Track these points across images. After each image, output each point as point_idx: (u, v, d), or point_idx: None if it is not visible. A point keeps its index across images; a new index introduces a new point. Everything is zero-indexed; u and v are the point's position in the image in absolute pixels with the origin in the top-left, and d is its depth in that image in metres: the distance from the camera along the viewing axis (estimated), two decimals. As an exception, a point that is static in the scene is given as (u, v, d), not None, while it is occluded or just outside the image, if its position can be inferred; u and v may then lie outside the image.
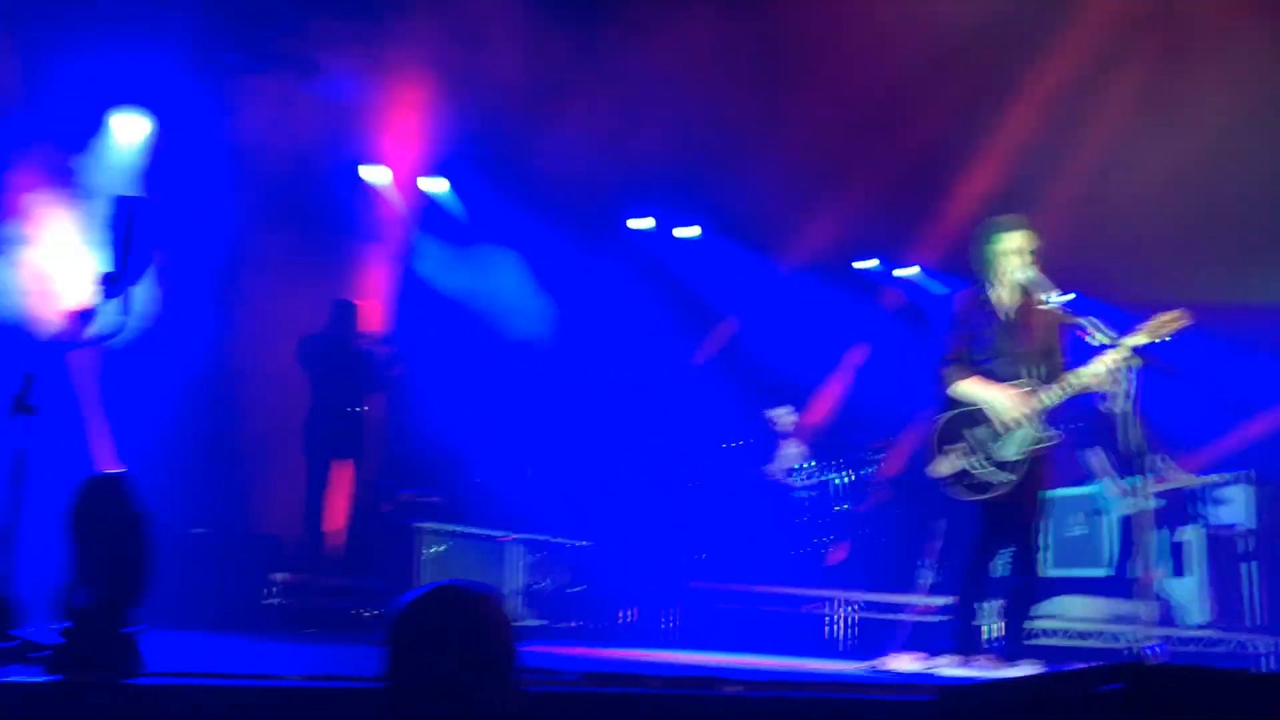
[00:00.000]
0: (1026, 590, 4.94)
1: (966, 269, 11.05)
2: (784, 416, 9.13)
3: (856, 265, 11.33)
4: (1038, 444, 4.83)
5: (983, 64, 7.83)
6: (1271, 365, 10.49)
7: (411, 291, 8.67)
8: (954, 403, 4.93)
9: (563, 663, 4.12)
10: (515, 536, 7.17)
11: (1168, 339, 4.73)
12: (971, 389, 4.88)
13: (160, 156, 7.19)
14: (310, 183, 8.18)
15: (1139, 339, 4.61)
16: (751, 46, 8.12)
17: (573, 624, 7.30)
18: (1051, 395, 4.85)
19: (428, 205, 9.21)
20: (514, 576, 7.08)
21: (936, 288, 11.57)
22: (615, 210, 10.15)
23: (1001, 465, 4.82)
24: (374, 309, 7.89)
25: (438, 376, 7.11)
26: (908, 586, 8.68)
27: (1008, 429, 4.83)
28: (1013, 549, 4.89)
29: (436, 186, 9.24)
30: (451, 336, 8.51)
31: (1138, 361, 4.45)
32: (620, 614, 7.58)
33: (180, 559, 6.44)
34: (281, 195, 7.86)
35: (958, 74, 7.94)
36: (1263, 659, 7.86)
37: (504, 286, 8.96)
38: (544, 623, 7.06)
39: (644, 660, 4.88)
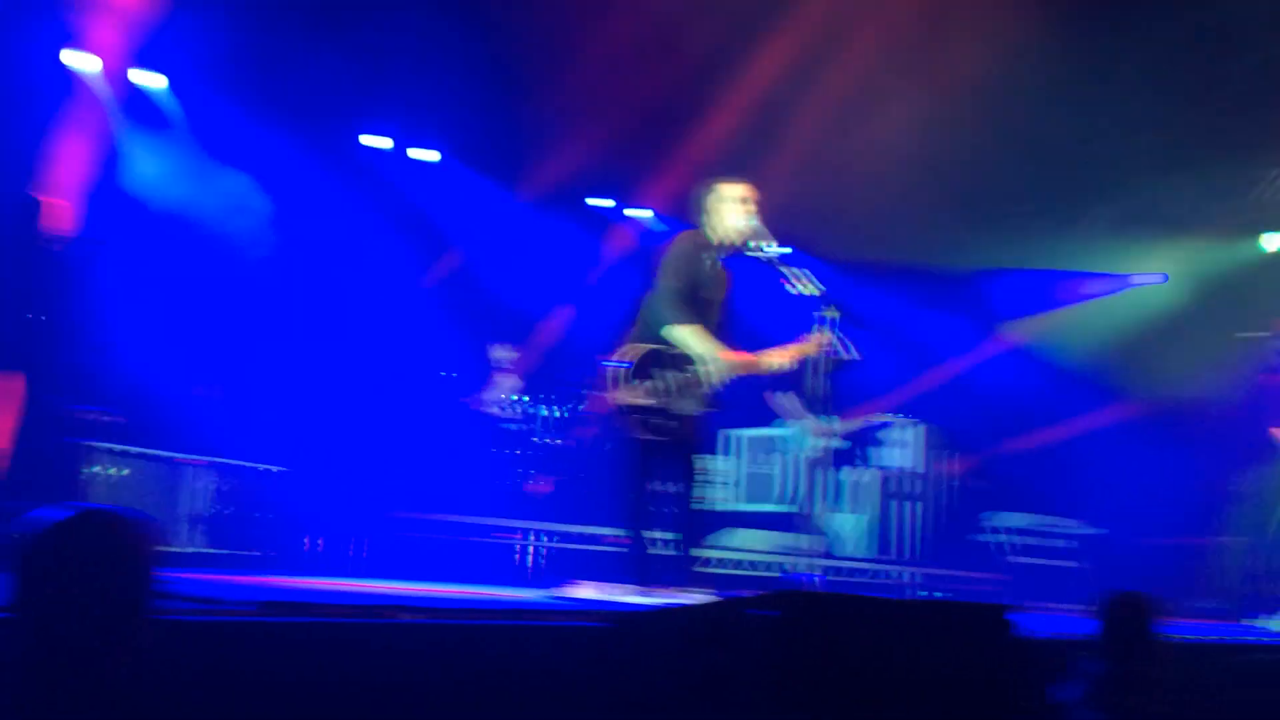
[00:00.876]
0: (695, 522, 5.12)
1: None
2: (501, 351, 9.12)
3: (590, 202, 11.40)
4: (710, 407, 5.00)
5: (731, 13, 8.01)
6: (949, 324, 11.51)
7: (113, 194, 7.94)
8: (652, 337, 4.95)
9: (235, 591, 3.94)
10: (200, 460, 6.77)
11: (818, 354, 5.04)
12: (692, 337, 4.90)
13: None
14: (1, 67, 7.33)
15: (808, 350, 4.87)
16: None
17: (258, 553, 7.02)
18: (743, 368, 5.01)
19: (141, 101, 8.47)
20: (195, 502, 6.70)
21: (664, 229, 11.86)
22: (351, 127, 9.70)
23: (675, 414, 4.92)
24: (63, 208, 7.14)
25: (134, 288, 6.54)
26: (609, 519, 8.96)
27: (699, 385, 4.93)
28: (680, 484, 5.07)
29: (152, 82, 8.48)
30: (156, 244, 7.88)
31: (835, 314, 4.72)
32: (308, 541, 7.35)
33: None
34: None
35: (705, 22, 8.08)
36: (909, 589, 8.74)
37: (221, 196, 8.37)
38: (226, 551, 6.73)
39: (323, 589, 4.76)
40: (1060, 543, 9.38)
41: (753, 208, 5.03)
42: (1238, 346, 7.77)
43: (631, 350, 4.97)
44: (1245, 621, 6.62)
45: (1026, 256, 11.05)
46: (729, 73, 8.74)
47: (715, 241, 5.07)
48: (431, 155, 10.18)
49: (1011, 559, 9.18)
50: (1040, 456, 10.65)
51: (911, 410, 9.85)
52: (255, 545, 7.04)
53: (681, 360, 4.93)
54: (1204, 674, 4.31)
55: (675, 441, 4.96)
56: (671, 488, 5.09)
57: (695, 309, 4.94)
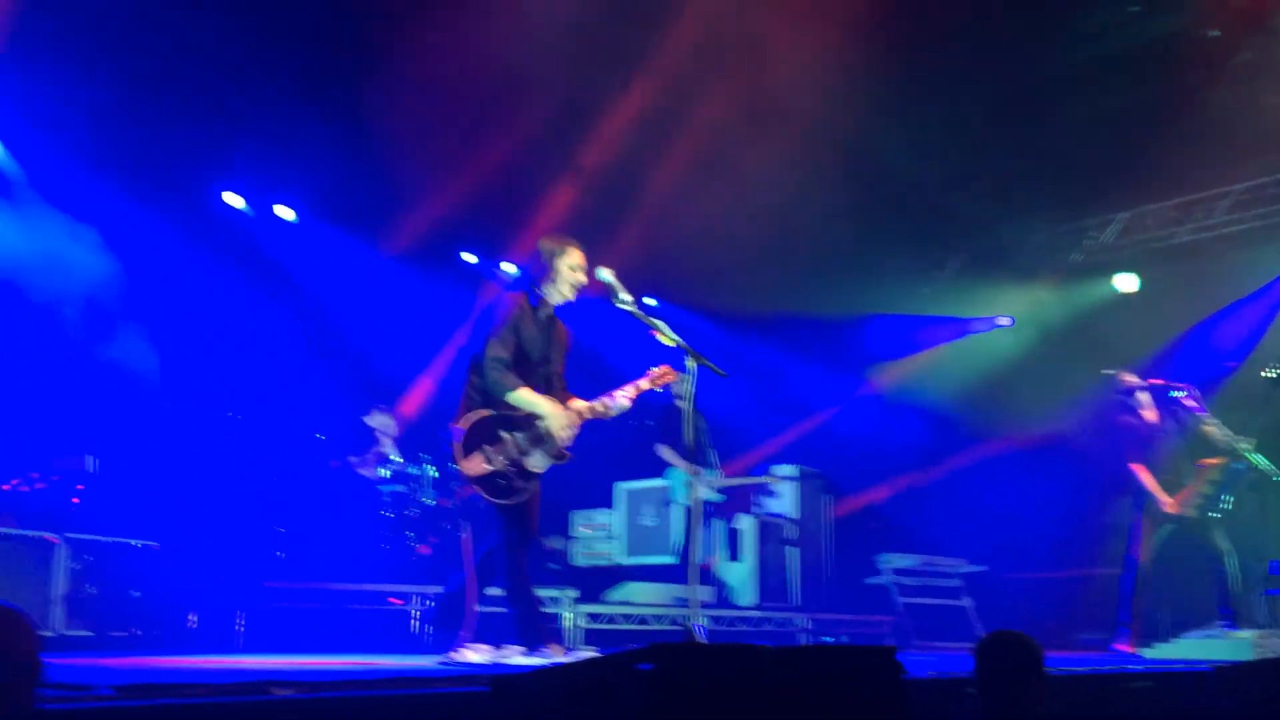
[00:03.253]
0: (528, 585, 5.19)
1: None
2: (377, 417, 9.04)
3: (464, 256, 11.42)
4: (560, 459, 5.11)
5: (584, 68, 8.18)
6: (820, 372, 11.84)
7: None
8: (492, 403, 5.00)
9: (99, 676, 3.83)
10: (63, 537, 6.51)
11: (660, 389, 5.31)
12: (528, 397, 5.00)
13: None
14: None
15: (642, 385, 5.05)
16: (351, 28, 7.96)
17: (127, 633, 6.76)
18: (585, 414, 5.14)
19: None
20: (59, 582, 6.44)
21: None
22: (207, 185, 9.55)
23: (528, 473, 5.03)
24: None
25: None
26: (496, 580, 8.89)
27: (546, 441, 5.03)
28: (529, 546, 5.19)
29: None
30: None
31: (694, 360, 4.83)
32: (186, 619, 7.11)
33: None
34: None
35: (560, 77, 8.23)
36: (801, 634, 8.86)
37: (56, 252, 8.10)
38: (92, 634, 6.48)
39: (198, 667, 4.64)
40: (946, 581, 9.62)
41: (582, 274, 5.21)
42: (1096, 383, 8.18)
43: (469, 418, 5.02)
44: (1129, 650, 6.88)
45: (891, 301, 11.49)
46: (588, 126, 8.92)
47: (552, 300, 5.19)
48: (287, 214, 10.11)
49: (900, 600, 9.37)
50: (918, 497, 10.98)
51: (789, 456, 10.07)
52: (129, 625, 6.78)
53: (525, 420, 5.02)
54: (1085, 705, 4.48)
55: (528, 503, 5.04)
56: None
57: (526, 369, 5.05)
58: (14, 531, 6.32)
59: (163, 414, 8.16)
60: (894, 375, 11.65)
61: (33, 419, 7.27)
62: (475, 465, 4.95)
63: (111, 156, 8.39)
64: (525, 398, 5.00)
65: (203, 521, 7.90)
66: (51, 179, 8.33)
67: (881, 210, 9.79)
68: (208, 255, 9.18)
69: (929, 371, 11.55)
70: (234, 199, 9.76)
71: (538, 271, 5.20)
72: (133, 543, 7.07)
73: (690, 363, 4.84)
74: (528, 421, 5.01)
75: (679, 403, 8.25)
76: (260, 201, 9.93)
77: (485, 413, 5.00)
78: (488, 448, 4.96)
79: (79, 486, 7.12)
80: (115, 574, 6.87)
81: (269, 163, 9.34)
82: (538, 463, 5.05)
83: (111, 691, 3.25)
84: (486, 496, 4.95)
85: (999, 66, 8.18)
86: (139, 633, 6.88)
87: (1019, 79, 8.33)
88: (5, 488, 6.47)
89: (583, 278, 5.19)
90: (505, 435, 4.97)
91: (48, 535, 6.50)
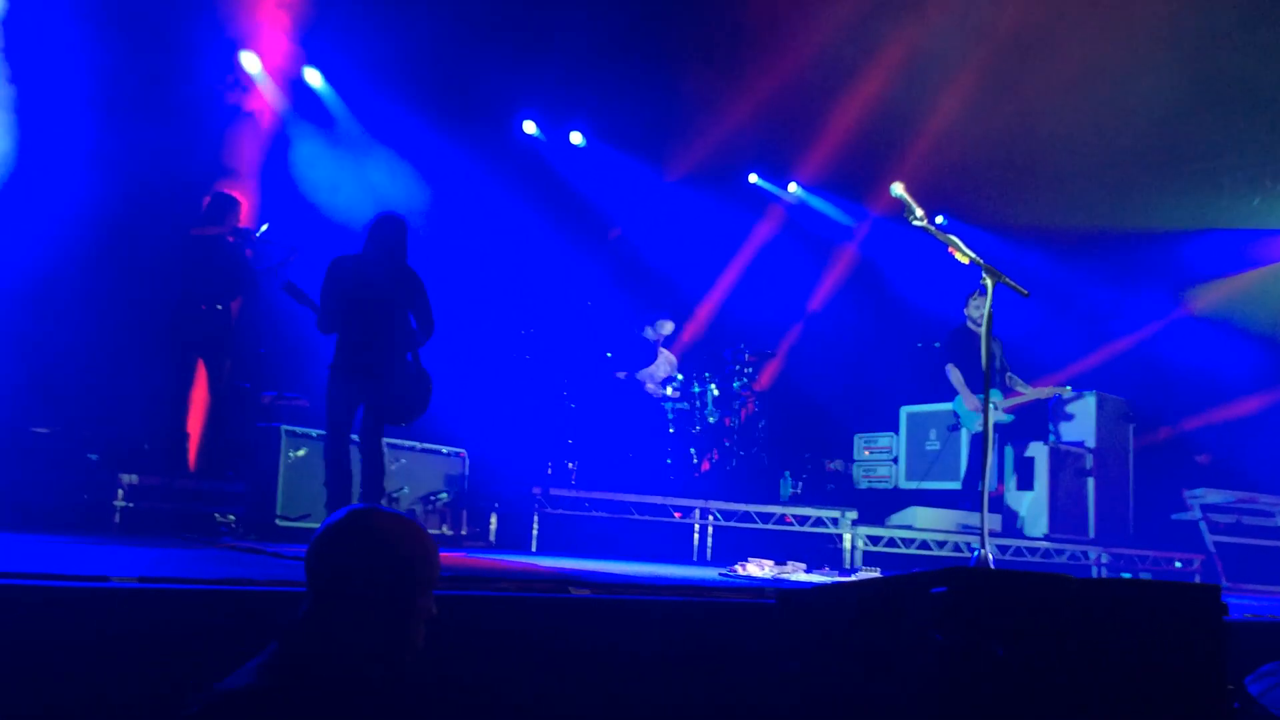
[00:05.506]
0: None
1: (853, 188, 11.24)
2: (662, 328, 9.21)
3: (752, 180, 11.42)
4: None
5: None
6: (1127, 293, 10.99)
7: (284, 190, 8.39)
8: None
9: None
10: (384, 442, 7.09)
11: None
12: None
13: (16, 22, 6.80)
14: (181, 66, 7.83)
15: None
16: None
17: (439, 530, 7.32)
18: None
19: (305, 98, 8.91)
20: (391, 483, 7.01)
21: (819, 204, 11.75)
22: (503, 112, 9.98)
23: None
24: (245, 205, 7.58)
25: (309, 278, 6.90)
26: (771, 497, 8.95)
27: None
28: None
29: (312, 79, 8.93)
30: (326, 236, 8.29)
31: (992, 280, 4.57)
32: (488, 520, 7.62)
33: (21, 459, 6.25)
34: (153, 78, 7.49)
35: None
36: (1094, 568, 8.38)
37: (380, 186, 8.73)
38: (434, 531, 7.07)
39: (499, 566, 4.95)
40: (1265, 520, 8.83)
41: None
42: None
43: None
44: None
45: (1216, 215, 10.44)
46: (881, 32, 8.58)
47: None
48: (575, 138, 10.39)
49: (1211, 538, 8.69)
50: (1235, 429, 10.08)
51: (1089, 382, 9.46)
52: (440, 523, 7.35)
53: None
54: None
55: None
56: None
57: None
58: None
59: (466, 330, 8.68)
60: (1216, 296, 10.62)
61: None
62: None
63: (423, 90, 8.91)
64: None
65: (502, 431, 8.40)
66: (370, 113, 8.98)
67: (1220, 114, 8.89)
68: (507, 182, 9.64)
69: (1258, 292, 10.45)
70: (531, 127, 10.15)
71: None
72: (442, 450, 7.61)
73: (987, 280, 4.57)
74: None
75: (971, 325, 7.91)
76: (554, 129, 10.27)
77: None
78: None
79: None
80: (425, 477, 7.43)
81: (564, 89, 9.63)
82: None
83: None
84: None
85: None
86: (449, 531, 7.43)
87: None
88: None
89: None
90: None
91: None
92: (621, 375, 8.91)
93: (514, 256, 9.61)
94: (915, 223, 4.82)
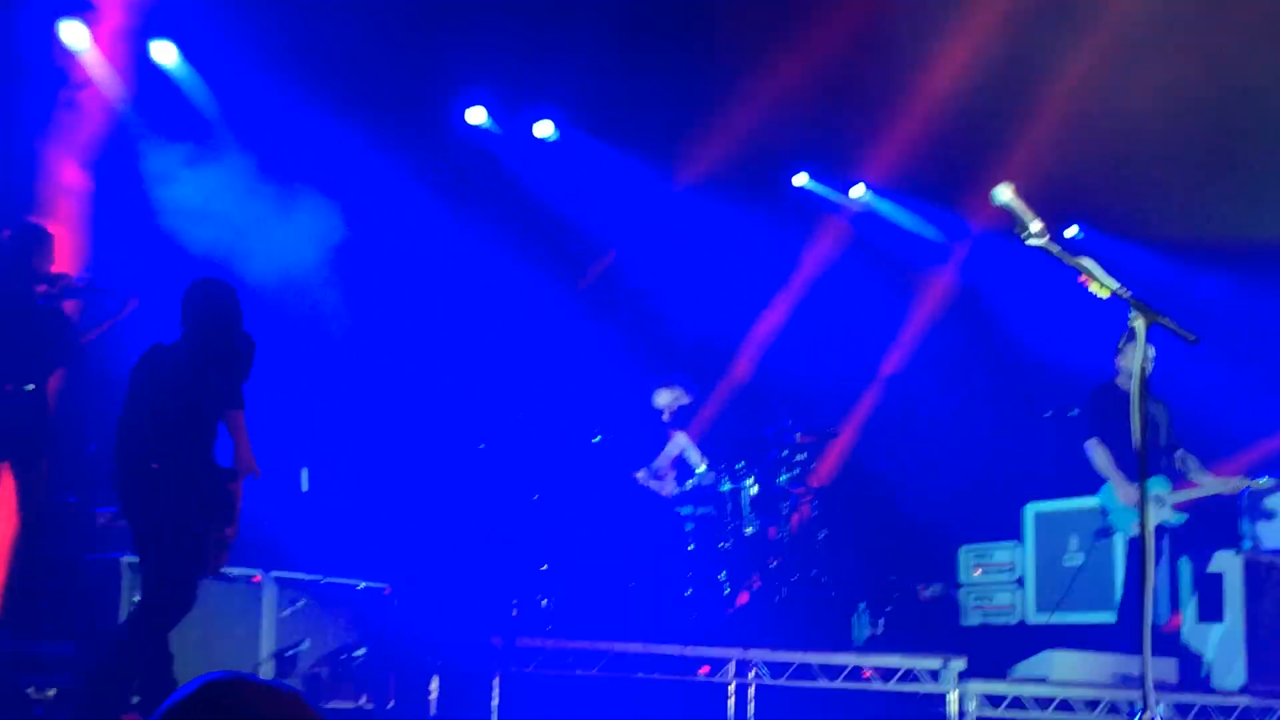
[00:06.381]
0: None
1: (945, 191, 11.29)
2: (671, 399, 9.19)
3: (799, 183, 11.49)
4: None
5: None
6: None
7: (124, 214, 8.43)
8: None
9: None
10: (267, 574, 7.08)
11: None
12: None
13: None
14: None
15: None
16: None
17: (353, 704, 7.26)
18: None
19: (155, 82, 9.00)
20: (267, 634, 6.99)
21: (896, 215, 11.81)
22: (443, 102, 10.08)
23: None
24: (63, 240, 7.60)
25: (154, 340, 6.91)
26: (838, 640, 8.87)
27: None
28: None
29: (163, 55, 9.04)
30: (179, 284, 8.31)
31: (1144, 320, 4.56)
32: (426, 688, 7.55)
33: None
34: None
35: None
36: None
37: (260, 206, 8.78)
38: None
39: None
40: None
41: None
42: None
43: None
44: None
45: None
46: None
47: None
48: (545, 129, 10.46)
49: None
50: None
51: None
52: (355, 692, 7.29)
53: None
54: None
55: None
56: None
57: None
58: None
59: (390, 409, 8.65)
60: None
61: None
62: None
63: (326, 68, 8.98)
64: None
65: (444, 555, 8.34)
66: (247, 101, 9.05)
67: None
68: (444, 193, 9.69)
69: None
70: (479, 115, 10.22)
71: None
72: (356, 585, 7.56)
73: (1138, 322, 4.57)
74: None
75: (1122, 379, 7.90)
76: (510, 118, 10.35)
77: None
78: None
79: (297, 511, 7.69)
80: (334, 626, 7.37)
81: (525, 62, 9.70)
82: None
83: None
84: None
85: None
86: (368, 704, 7.35)
87: None
88: None
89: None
90: None
91: (254, 573, 7.06)
92: (641, 476, 8.90)
93: (458, 299, 9.63)
94: (1032, 240, 4.82)
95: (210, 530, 5.89)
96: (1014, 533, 9.73)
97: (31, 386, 7.10)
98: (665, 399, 9.20)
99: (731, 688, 7.87)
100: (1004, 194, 4.86)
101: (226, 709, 2.18)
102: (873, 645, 9.04)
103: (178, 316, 6.04)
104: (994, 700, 7.58)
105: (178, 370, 5.89)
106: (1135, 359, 4.49)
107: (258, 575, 7.08)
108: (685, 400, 9.28)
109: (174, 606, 5.78)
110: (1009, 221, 4.84)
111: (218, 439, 6.07)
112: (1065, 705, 7.63)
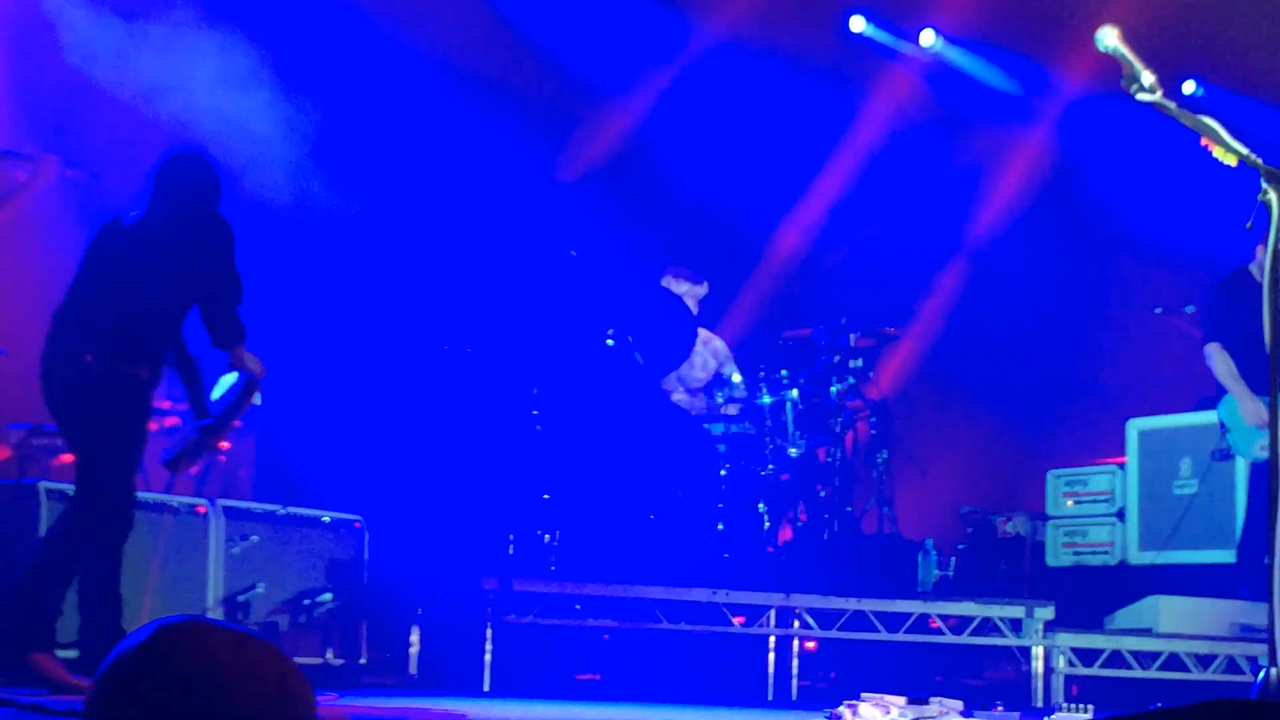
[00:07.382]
0: None
1: (1035, 38, 11.24)
2: (694, 292, 9.21)
3: (855, 28, 11.46)
4: None
5: None
6: None
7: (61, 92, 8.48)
8: None
9: None
10: (214, 505, 7.15)
11: None
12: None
13: None
14: None
15: None
16: None
17: (319, 659, 7.37)
18: None
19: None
20: (214, 576, 7.08)
21: (974, 66, 11.77)
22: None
23: None
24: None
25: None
26: (901, 585, 8.96)
27: None
28: None
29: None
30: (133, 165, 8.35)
31: (1278, 194, 4.59)
32: (406, 643, 7.67)
33: None
34: None
35: None
36: None
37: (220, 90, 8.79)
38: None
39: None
40: None
41: None
42: None
43: None
44: None
45: None
46: None
47: None
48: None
49: None
50: None
51: None
52: (320, 647, 7.39)
53: None
54: None
55: None
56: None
57: None
58: (152, 495, 6.96)
59: (362, 306, 8.70)
60: None
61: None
62: None
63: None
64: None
65: (426, 483, 8.42)
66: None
67: None
68: (427, 52, 9.68)
69: None
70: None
71: None
72: (322, 517, 7.65)
73: (1272, 196, 4.60)
74: None
75: (1254, 267, 7.90)
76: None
77: None
78: None
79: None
80: (295, 566, 7.46)
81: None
82: None
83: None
84: None
85: None
86: (335, 660, 7.47)
87: None
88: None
89: None
90: None
91: (195, 502, 7.14)
92: (669, 386, 8.91)
93: (440, 174, 9.64)
94: (1143, 96, 4.84)
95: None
96: (1114, 455, 9.77)
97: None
98: (681, 284, 9.19)
99: (772, 641, 7.98)
100: (1110, 38, 4.87)
101: (185, 657, 2.24)
102: (942, 590, 9.11)
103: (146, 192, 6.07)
104: (1087, 656, 7.65)
105: (134, 253, 5.91)
106: (1268, 243, 4.50)
107: (203, 505, 7.15)
108: (700, 292, 9.26)
109: (112, 528, 5.85)
110: (1113, 74, 4.86)
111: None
112: (1174, 662, 7.69)
